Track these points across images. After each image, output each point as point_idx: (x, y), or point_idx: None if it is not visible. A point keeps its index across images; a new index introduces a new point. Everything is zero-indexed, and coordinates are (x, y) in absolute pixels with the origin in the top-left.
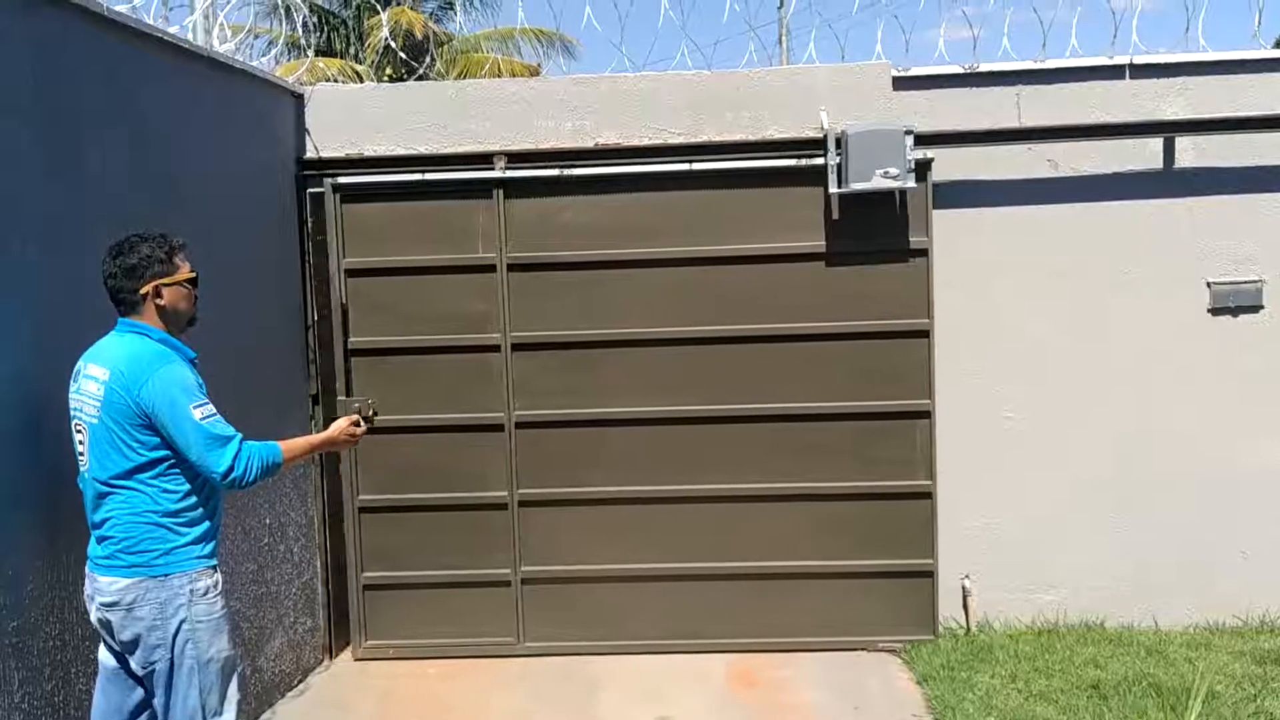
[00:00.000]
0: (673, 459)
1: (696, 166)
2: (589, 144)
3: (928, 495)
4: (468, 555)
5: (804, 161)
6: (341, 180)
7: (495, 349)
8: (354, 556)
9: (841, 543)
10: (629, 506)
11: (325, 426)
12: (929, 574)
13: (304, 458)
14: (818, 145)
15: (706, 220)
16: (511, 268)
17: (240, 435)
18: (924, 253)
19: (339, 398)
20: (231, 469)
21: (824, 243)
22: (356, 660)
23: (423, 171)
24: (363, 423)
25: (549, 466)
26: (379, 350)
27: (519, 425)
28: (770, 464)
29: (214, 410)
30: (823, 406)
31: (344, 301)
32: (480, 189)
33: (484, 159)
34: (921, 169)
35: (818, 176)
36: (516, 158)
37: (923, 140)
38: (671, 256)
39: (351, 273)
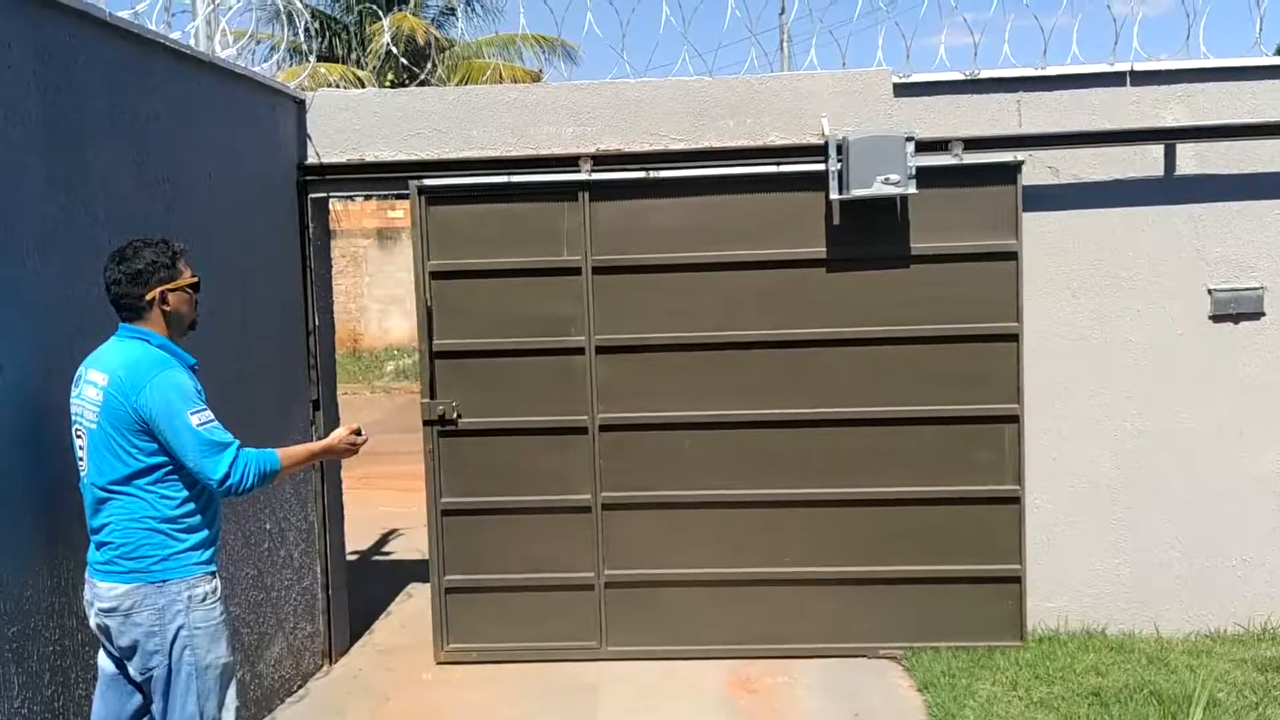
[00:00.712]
0: (756, 463)
1: (786, 169)
2: (590, 149)
3: (1015, 500)
4: (551, 558)
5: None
6: (428, 183)
7: (579, 351)
8: (436, 559)
9: (926, 548)
10: (713, 510)
11: (326, 433)
12: (1016, 579)
13: (303, 466)
14: (819, 151)
15: (790, 223)
16: (596, 270)
17: (238, 442)
18: (1014, 255)
19: (422, 400)
20: (228, 476)
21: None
22: (438, 664)
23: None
24: (360, 433)
25: (632, 470)
26: (463, 353)
27: (603, 428)
28: (856, 468)
29: (212, 417)
30: (906, 410)
31: (429, 304)
32: (566, 191)
33: (562, 161)
34: (1011, 171)
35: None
36: (601, 160)
37: (924, 146)
38: (756, 259)
39: (435, 275)
